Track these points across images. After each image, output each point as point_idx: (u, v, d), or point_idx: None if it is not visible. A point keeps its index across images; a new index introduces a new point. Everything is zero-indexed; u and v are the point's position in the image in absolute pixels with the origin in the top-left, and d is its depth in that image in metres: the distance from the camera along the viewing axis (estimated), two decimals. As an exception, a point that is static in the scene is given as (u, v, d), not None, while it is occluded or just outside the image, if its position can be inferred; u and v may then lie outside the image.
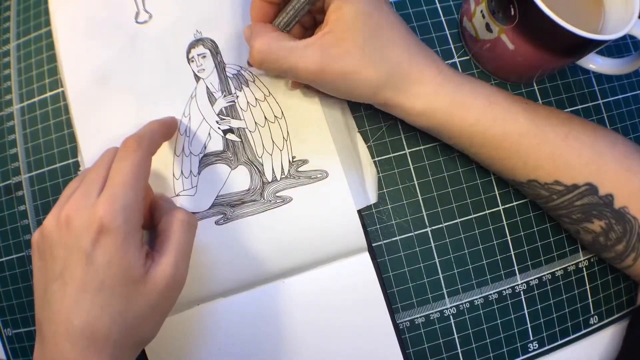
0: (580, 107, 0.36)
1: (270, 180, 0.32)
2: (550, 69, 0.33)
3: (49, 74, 0.36)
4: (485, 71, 0.36)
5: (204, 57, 0.33)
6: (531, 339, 0.34)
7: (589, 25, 0.27)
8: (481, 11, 0.31)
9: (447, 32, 0.36)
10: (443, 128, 0.29)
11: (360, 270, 0.32)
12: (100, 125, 0.33)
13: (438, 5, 0.36)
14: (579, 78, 0.37)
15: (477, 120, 0.28)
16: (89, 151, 0.33)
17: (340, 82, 0.27)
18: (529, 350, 0.34)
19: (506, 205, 0.35)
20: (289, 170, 0.32)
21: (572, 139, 0.28)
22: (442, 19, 0.36)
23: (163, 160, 0.32)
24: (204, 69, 0.33)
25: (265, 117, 0.32)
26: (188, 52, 0.33)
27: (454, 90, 0.28)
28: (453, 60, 0.36)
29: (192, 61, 0.33)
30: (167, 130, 0.31)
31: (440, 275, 0.34)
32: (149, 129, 0.29)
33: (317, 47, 0.27)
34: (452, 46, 0.36)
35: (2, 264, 0.35)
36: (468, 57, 0.36)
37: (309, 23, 0.31)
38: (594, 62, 0.34)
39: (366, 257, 0.32)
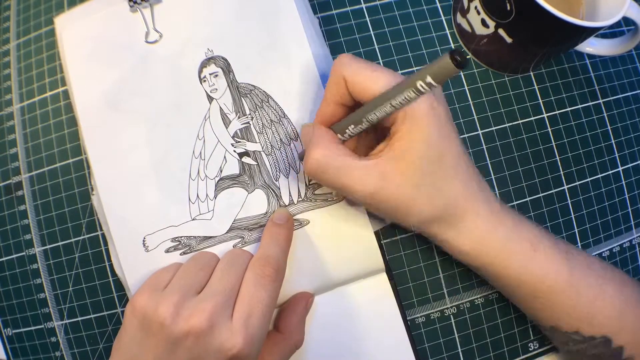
0: (580, 106, 0.36)
1: (287, 204, 0.32)
2: (547, 56, 0.33)
3: (49, 74, 0.36)
4: (483, 64, 0.36)
5: (216, 75, 0.32)
6: (531, 338, 0.34)
7: (570, 10, 0.27)
8: (475, 7, 0.31)
9: (447, 31, 0.36)
10: (485, 271, 0.28)
11: (378, 291, 0.32)
12: (112, 148, 0.32)
13: (438, 4, 0.36)
14: (579, 77, 0.37)
15: (518, 270, 0.27)
16: (102, 174, 0.32)
17: (393, 211, 0.27)
18: (530, 349, 0.34)
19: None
20: (305, 193, 0.32)
21: (602, 293, 0.27)
22: (442, 18, 0.36)
23: (178, 183, 0.32)
24: (216, 89, 0.32)
25: (280, 139, 0.32)
26: (200, 71, 0.32)
27: (503, 235, 0.27)
28: (453, 60, 0.36)
29: (205, 81, 0.32)
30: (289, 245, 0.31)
31: (441, 275, 0.34)
32: (280, 251, 0.29)
33: (376, 173, 0.25)
34: (452, 45, 0.36)
35: (2, 264, 0.35)
36: (467, 57, 0.36)
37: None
38: (590, 45, 0.34)
39: (384, 278, 0.32)
